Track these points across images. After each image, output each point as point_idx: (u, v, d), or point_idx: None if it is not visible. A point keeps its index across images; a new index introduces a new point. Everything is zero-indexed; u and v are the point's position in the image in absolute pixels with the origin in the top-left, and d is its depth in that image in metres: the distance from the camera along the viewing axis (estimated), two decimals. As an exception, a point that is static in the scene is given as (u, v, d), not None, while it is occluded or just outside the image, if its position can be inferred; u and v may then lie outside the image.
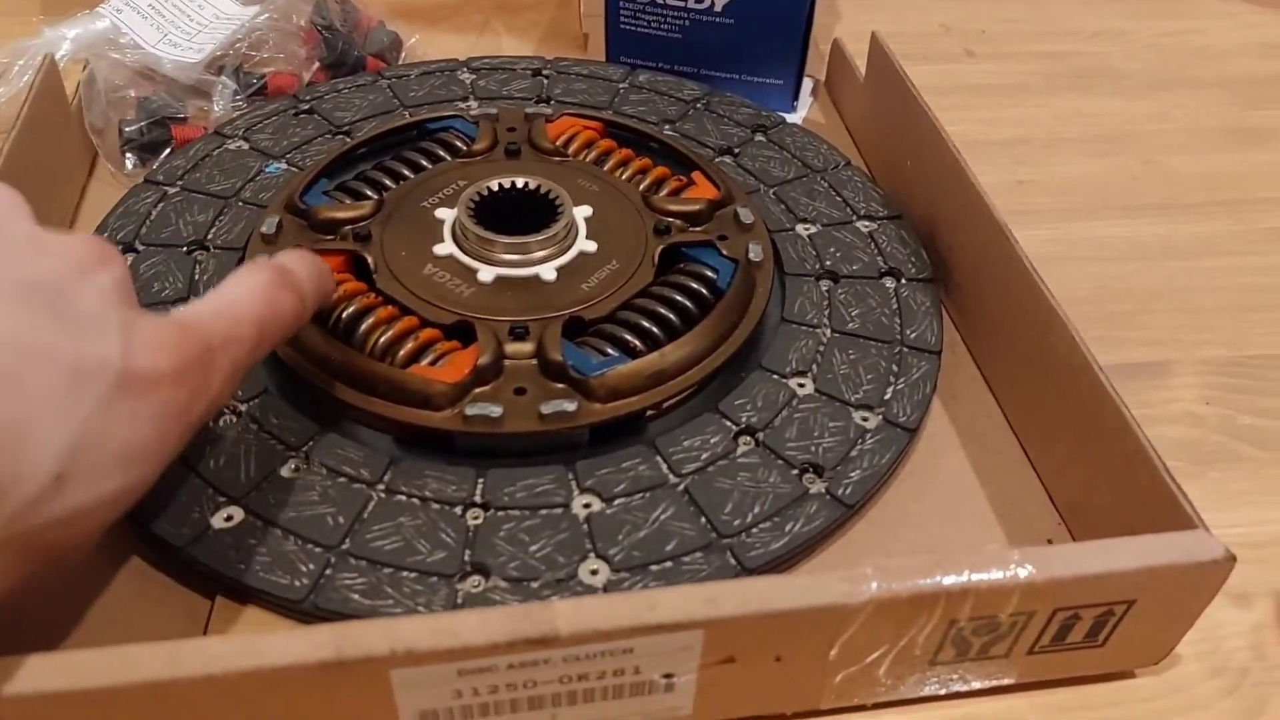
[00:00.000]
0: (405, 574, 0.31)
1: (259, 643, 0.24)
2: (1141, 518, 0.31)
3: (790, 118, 0.53)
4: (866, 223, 0.45)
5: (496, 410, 0.34)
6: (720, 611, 0.26)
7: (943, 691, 0.31)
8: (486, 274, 0.38)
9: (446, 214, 0.41)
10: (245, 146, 0.46)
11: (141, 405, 0.24)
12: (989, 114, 0.58)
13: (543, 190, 0.41)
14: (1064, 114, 0.58)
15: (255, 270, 0.30)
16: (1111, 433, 0.33)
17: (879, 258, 0.43)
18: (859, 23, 0.63)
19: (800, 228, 0.44)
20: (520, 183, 0.41)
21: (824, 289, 0.41)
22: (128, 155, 0.46)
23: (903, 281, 0.42)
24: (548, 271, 0.39)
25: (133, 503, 0.25)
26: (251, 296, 0.29)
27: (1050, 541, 0.35)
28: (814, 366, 0.38)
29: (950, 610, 0.27)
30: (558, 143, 0.45)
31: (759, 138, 0.49)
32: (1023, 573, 0.27)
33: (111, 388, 0.24)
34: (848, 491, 0.34)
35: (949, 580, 0.27)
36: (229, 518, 0.32)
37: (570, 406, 0.34)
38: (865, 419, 0.36)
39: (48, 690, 0.23)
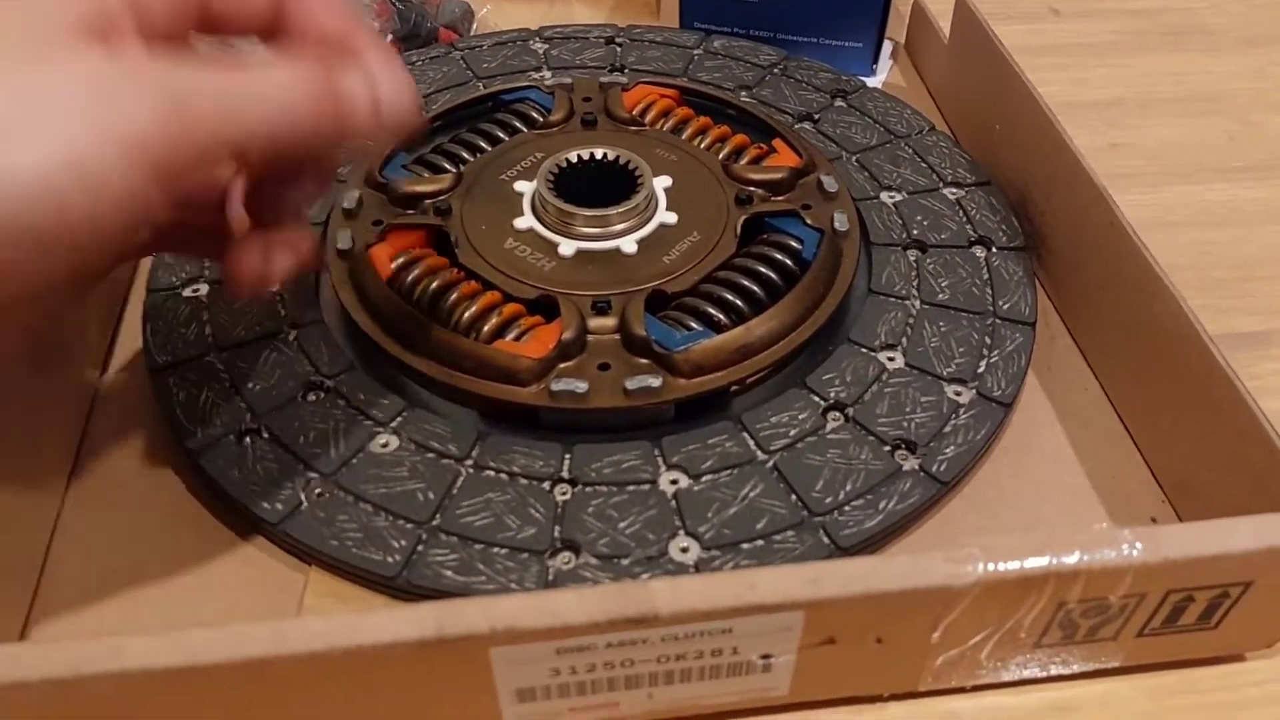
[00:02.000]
0: (496, 550, 0.31)
1: (361, 621, 0.24)
2: (1256, 495, 0.30)
3: (870, 82, 0.51)
4: (954, 189, 0.43)
5: (582, 386, 0.33)
6: (822, 592, 0.25)
7: (1043, 674, 0.30)
8: (567, 248, 0.38)
9: (525, 187, 0.40)
10: (322, 121, 0.46)
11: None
12: (1077, 74, 0.56)
13: (622, 161, 0.40)
14: (1155, 73, 0.56)
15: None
16: (1223, 406, 0.31)
17: (968, 226, 0.42)
18: (938, -18, 0.61)
19: (885, 195, 0.43)
20: (599, 154, 0.40)
21: (912, 259, 0.40)
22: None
23: (993, 250, 0.41)
24: (628, 244, 0.38)
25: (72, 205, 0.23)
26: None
27: (1154, 520, 0.34)
28: (904, 339, 0.37)
29: (1060, 592, 0.26)
30: (634, 112, 0.44)
31: (839, 103, 0.48)
32: (1135, 553, 0.26)
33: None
34: (942, 468, 0.33)
35: (1059, 561, 0.26)
36: (321, 493, 0.32)
37: (655, 382, 0.34)
38: (958, 393, 0.35)
39: (156, 667, 0.23)
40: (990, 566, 0.26)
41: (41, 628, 0.30)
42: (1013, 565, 0.26)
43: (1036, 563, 0.26)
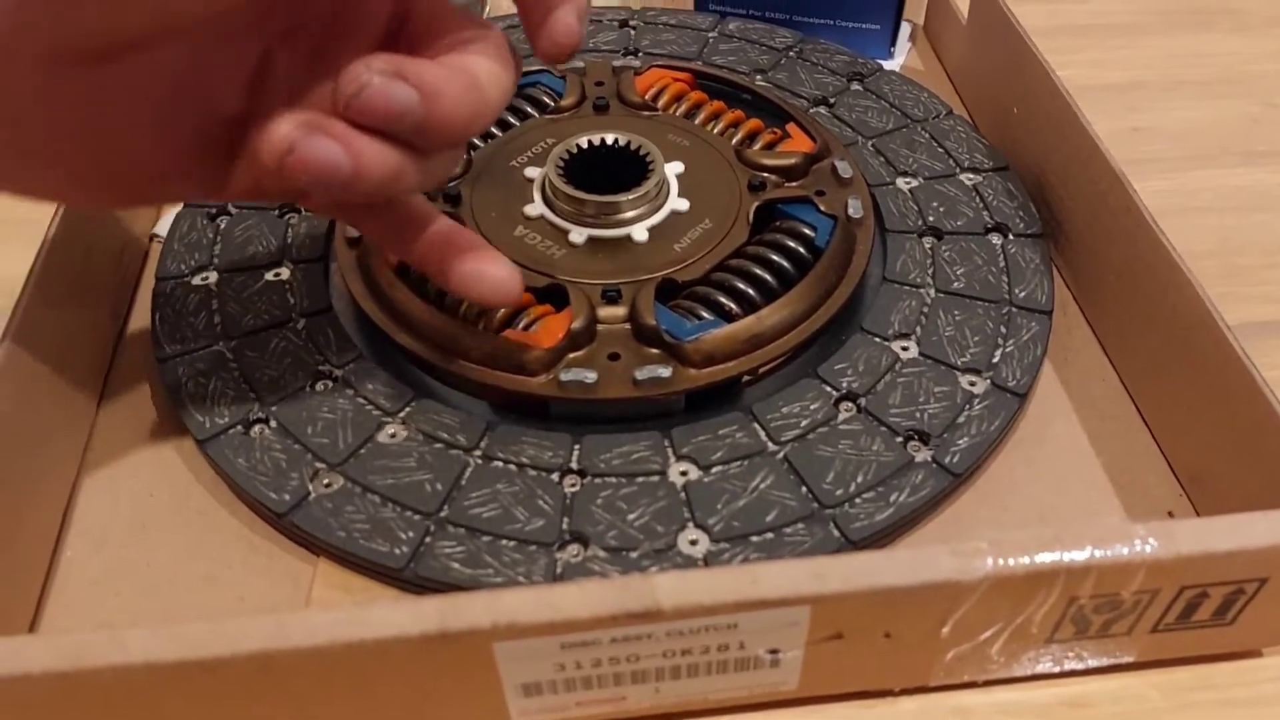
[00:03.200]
0: (504, 542, 0.30)
1: (362, 614, 0.24)
2: (1273, 489, 0.30)
3: (887, 65, 0.51)
4: (971, 175, 0.43)
5: (591, 376, 0.33)
6: (827, 587, 0.25)
7: (1057, 669, 0.29)
8: (578, 235, 0.38)
9: (535, 173, 0.40)
10: (333, 107, 0.45)
11: None
12: (1099, 55, 0.55)
13: (633, 146, 0.39)
14: (1180, 55, 0.55)
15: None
16: (1239, 397, 0.31)
17: (985, 212, 0.41)
18: (958, -39, 0.60)
19: (901, 181, 0.42)
20: (610, 139, 0.40)
21: (927, 246, 0.40)
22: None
23: (1010, 237, 0.40)
24: (639, 232, 0.38)
25: None
26: None
27: (1171, 514, 0.34)
28: (918, 329, 0.37)
29: (1070, 587, 0.26)
30: (647, 96, 0.44)
31: (855, 86, 0.47)
32: (1148, 549, 0.26)
33: None
34: (955, 460, 0.33)
35: (1069, 556, 0.25)
36: (328, 484, 0.32)
37: (665, 372, 0.33)
38: (972, 383, 0.35)
39: (159, 661, 0.23)
40: (999, 561, 0.25)
41: (51, 620, 0.30)
42: (1022, 560, 0.25)
43: (1046, 558, 0.25)
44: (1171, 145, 0.49)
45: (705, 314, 0.35)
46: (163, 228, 0.42)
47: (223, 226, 0.40)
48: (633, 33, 0.50)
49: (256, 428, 0.33)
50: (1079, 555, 0.25)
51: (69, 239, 0.36)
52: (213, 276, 0.38)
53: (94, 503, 0.33)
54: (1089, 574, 0.26)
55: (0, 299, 0.33)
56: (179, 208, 0.41)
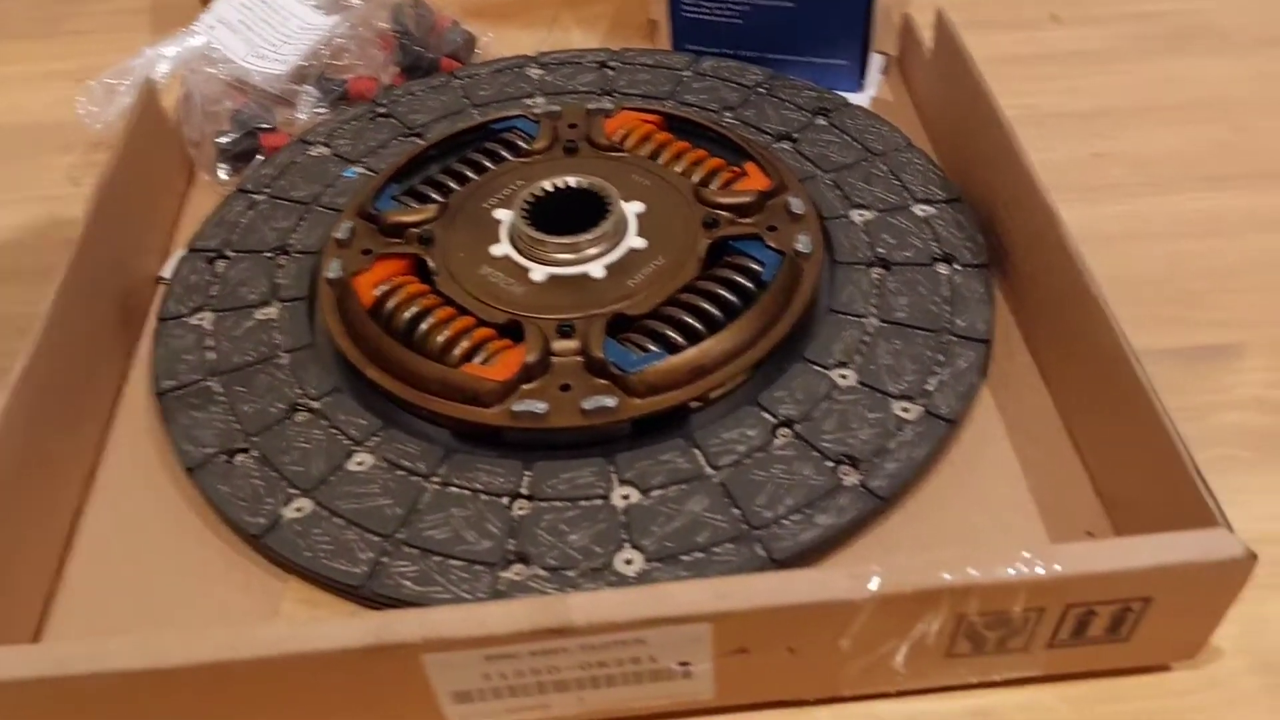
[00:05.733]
0: (453, 562, 0.33)
1: (308, 630, 0.27)
2: (1174, 513, 0.31)
3: (858, 98, 0.53)
4: (924, 207, 0.45)
5: (542, 407, 0.36)
6: (727, 605, 0.27)
7: (964, 681, 0.31)
8: (539, 273, 0.40)
9: (504, 215, 0.43)
10: (326, 152, 0.49)
11: None
12: (1072, 83, 0.56)
13: (593, 189, 0.42)
14: (1155, 80, 0.56)
15: None
16: (1146, 425, 0.32)
17: (934, 243, 0.43)
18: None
19: (855, 214, 0.45)
20: (572, 182, 0.42)
21: (874, 277, 0.42)
22: (221, 165, 0.50)
23: (957, 267, 0.42)
24: (597, 269, 0.40)
25: None
26: None
27: (1090, 534, 0.35)
28: (858, 357, 0.39)
29: (956, 605, 0.28)
30: (615, 138, 0.47)
31: (820, 121, 0.50)
32: (1027, 570, 0.28)
33: None
34: (881, 484, 0.35)
35: (951, 577, 0.28)
36: (299, 509, 0.35)
37: (611, 402, 0.36)
38: (905, 410, 0.37)
39: (124, 669, 0.27)
40: (886, 582, 0.27)
41: (55, 631, 0.34)
42: (908, 580, 0.27)
43: (930, 578, 0.28)
44: (1132, 171, 0.50)
45: (652, 346, 0.38)
46: (169, 270, 0.45)
47: (220, 269, 0.43)
48: (610, 74, 0.53)
49: (239, 457, 0.37)
50: (961, 576, 0.28)
51: (82, 282, 0.39)
52: (208, 317, 0.42)
53: (97, 524, 0.37)
54: (972, 594, 0.28)
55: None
56: (183, 252, 0.45)
